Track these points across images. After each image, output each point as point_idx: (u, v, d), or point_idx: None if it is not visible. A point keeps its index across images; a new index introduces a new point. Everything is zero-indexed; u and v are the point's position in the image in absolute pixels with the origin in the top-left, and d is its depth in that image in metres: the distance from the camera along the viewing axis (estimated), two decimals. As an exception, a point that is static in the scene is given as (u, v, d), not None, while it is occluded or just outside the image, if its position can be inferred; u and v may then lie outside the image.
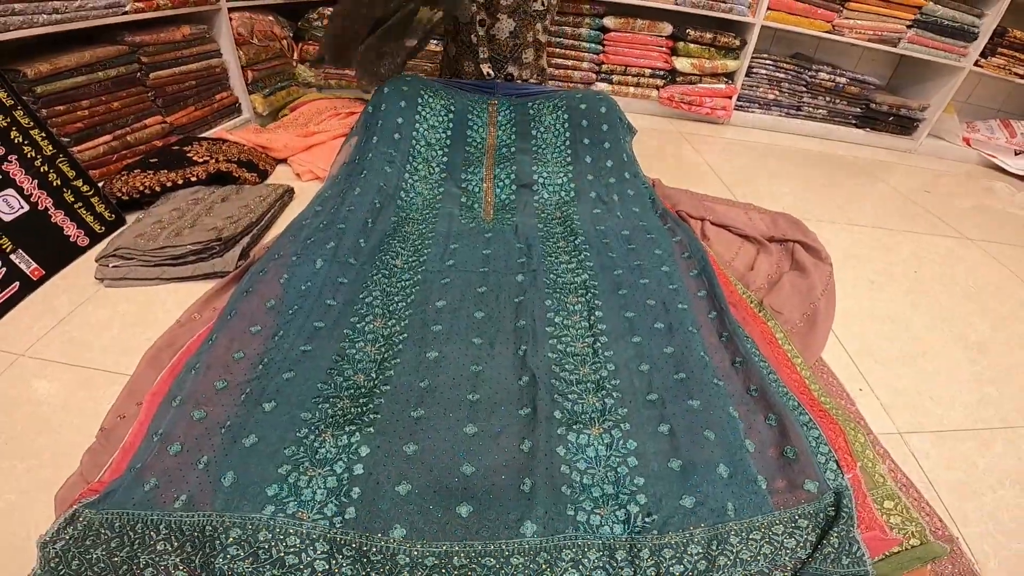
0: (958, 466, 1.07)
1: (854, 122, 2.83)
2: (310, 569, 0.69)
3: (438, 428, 0.88)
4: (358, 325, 1.08)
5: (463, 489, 0.80)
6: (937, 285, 1.66)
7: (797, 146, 2.65)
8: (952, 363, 1.34)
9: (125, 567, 0.70)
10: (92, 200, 1.42)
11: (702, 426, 0.91)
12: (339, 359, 1.00)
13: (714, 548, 0.76)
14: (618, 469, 0.83)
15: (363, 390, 0.94)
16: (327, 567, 0.70)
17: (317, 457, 0.81)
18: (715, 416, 0.93)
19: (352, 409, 0.90)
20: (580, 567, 0.73)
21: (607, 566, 0.74)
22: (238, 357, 0.97)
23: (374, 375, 0.97)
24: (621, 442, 0.87)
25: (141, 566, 0.70)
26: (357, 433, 0.85)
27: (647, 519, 0.78)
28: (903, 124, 2.86)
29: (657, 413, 0.94)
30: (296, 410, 0.88)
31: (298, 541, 0.71)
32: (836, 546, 0.77)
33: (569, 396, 0.95)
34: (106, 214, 1.43)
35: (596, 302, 1.18)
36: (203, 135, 1.82)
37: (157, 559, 0.71)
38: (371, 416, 0.89)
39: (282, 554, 0.70)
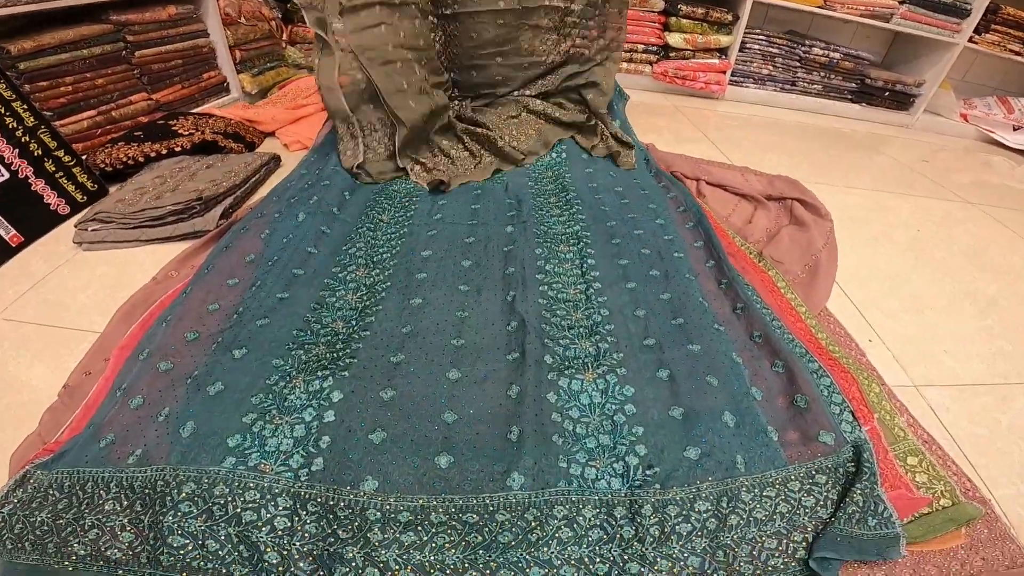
0: (981, 422, 0.94)
1: (850, 97, 2.69)
2: (269, 527, 0.59)
3: (419, 373, 0.78)
4: (340, 275, 0.97)
5: (443, 438, 0.69)
6: (939, 245, 1.54)
7: (793, 120, 2.53)
8: (961, 318, 1.21)
9: (69, 529, 0.60)
10: (74, 171, 1.33)
11: (704, 371, 0.80)
12: (317, 307, 0.89)
13: (724, 505, 0.65)
14: (614, 417, 0.73)
15: (341, 337, 0.84)
16: (288, 524, 0.59)
17: (286, 404, 0.70)
18: (717, 361, 0.82)
19: (327, 355, 0.79)
20: (574, 526, 0.62)
21: (605, 525, 0.63)
22: (212, 309, 0.87)
23: (354, 323, 0.87)
24: (617, 388, 0.76)
25: (85, 528, 0.60)
26: (330, 378, 0.74)
27: (648, 472, 0.67)
28: (899, 99, 2.72)
29: (655, 358, 0.83)
30: (268, 356, 0.77)
31: (258, 496, 0.61)
32: (861, 505, 0.66)
33: (560, 341, 0.84)
34: (88, 184, 1.33)
35: (588, 251, 1.07)
36: (190, 111, 1.72)
37: (104, 519, 0.60)
38: (347, 360, 0.78)
39: (239, 510, 0.59)
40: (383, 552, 0.59)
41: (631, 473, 0.67)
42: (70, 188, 1.31)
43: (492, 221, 1.15)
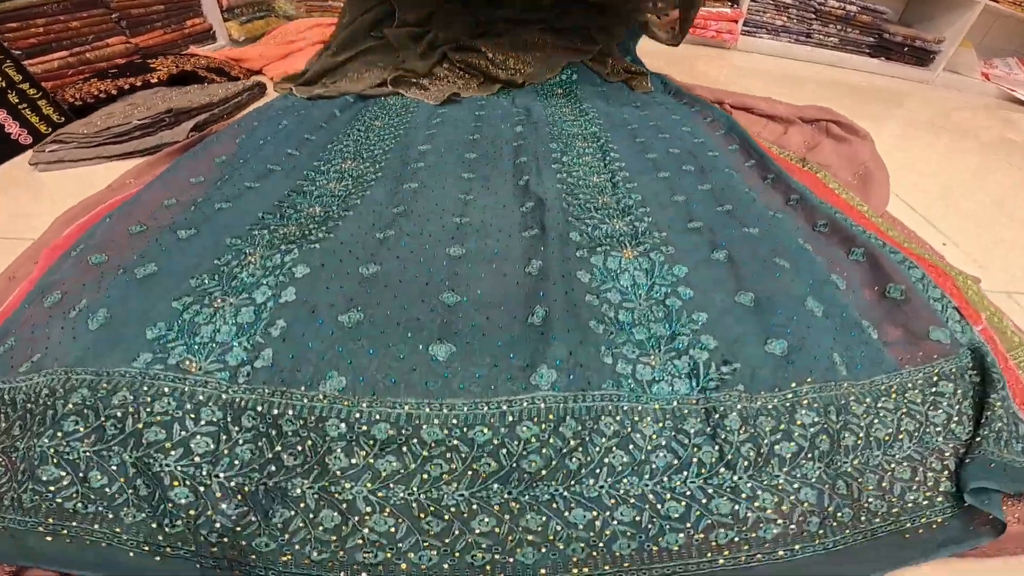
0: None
1: (868, 51, 2.44)
2: (182, 450, 0.38)
3: (411, 247, 0.56)
4: (322, 167, 0.75)
5: (442, 322, 0.47)
6: (971, 195, 1.31)
7: (809, 73, 2.27)
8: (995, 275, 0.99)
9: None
10: (39, 103, 1.14)
11: (769, 253, 0.58)
12: (293, 193, 0.68)
13: (834, 418, 0.43)
14: (667, 302, 0.50)
15: (317, 219, 0.62)
16: (211, 447, 0.38)
17: (233, 284, 0.49)
18: (782, 244, 0.60)
19: (297, 233, 0.58)
20: (631, 447, 0.40)
21: (674, 444, 0.41)
22: (168, 204, 0.66)
23: (335, 208, 0.65)
24: (666, 268, 0.54)
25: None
26: (296, 250, 0.53)
27: (724, 370, 0.45)
28: (919, 55, 2.46)
29: (706, 240, 0.61)
30: (222, 236, 0.56)
31: (172, 405, 0.39)
32: (1005, 421, 0.44)
33: (587, 220, 0.62)
34: (54, 116, 1.14)
35: (610, 145, 0.84)
36: (171, 52, 1.52)
37: (-34, 452, 0.40)
38: (321, 234, 0.57)
39: (140, 426, 0.38)
40: (348, 487, 0.38)
41: (701, 372, 0.45)
42: (34, 119, 1.12)
43: (499, 122, 0.93)
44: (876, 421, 0.45)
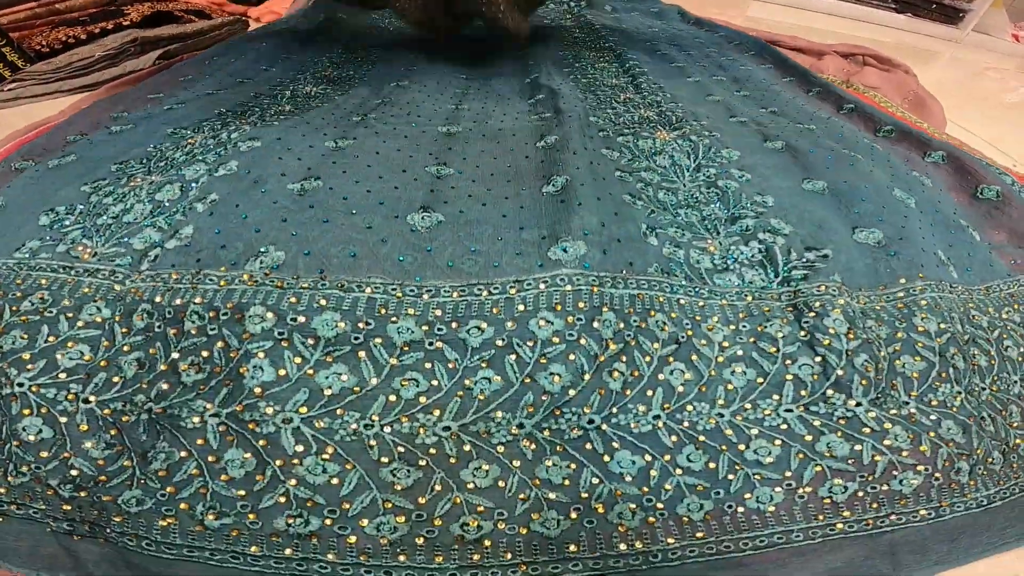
0: None
1: (893, 7, 2.28)
2: (43, 362, 0.26)
3: (395, 124, 0.45)
4: (298, 76, 0.64)
5: (429, 191, 0.35)
6: (997, 154, 1.18)
7: (831, 27, 2.12)
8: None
9: None
10: (3, 50, 1.04)
11: (836, 144, 0.46)
12: (260, 95, 0.56)
13: (960, 327, 0.30)
14: (719, 184, 0.38)
15: (284, 113, 0.50)
16: (85, 358, 0.26)
17: (159, 163, 0.38)
18: (848, 140, 0.47)
19: (257, 121, 0.46)
20: (694, 357, 0.27)
21: (756, 354, 0.28)
22: (116, 115, 0.54)
23: (309, 106, 0.53)
24: (713, 150, 0.42)
25: None
26: (247, 127, 0.42)
27: (811, 256, 0.32)
28: (947, 14, 2.29)
29: (756, 131, 0.48)
30: (162, 127, 0.45)
31: (47, 301, 0.27)
32: None
33: (608, 109, 0.50)
34: (18, 62, 1.04)
35: (629, 55, 0.71)
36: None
37: None
38: (282, 119, 0.46)
39: None
40: (270, 412, 0.25)
41: (779, 258, 0.32)
42: (-3, 65, 1.03)
43: (500, 40, 0.81)
44: (1005, 337, 0.32)
